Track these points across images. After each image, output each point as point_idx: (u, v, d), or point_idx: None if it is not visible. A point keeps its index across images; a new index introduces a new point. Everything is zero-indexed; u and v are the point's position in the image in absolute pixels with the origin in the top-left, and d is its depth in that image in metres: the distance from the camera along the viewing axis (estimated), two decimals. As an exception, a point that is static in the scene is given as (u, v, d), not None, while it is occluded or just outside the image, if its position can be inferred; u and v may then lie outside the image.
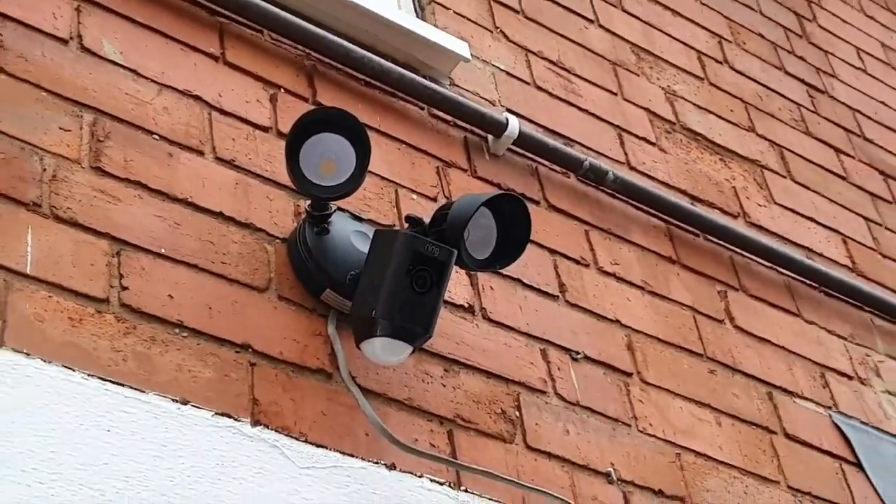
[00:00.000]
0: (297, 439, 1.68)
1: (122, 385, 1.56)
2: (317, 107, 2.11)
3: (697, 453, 2.20)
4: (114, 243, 1.71)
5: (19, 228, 1.63)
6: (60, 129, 1.78)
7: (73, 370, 1.53)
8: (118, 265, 1.69)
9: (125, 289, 1.67)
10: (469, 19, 2.67)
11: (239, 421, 1.64)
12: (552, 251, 2.32)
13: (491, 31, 2.69)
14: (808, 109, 3.39)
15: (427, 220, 1.88)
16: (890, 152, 3.54)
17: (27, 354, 1.50)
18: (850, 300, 2.84)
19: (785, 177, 3.08)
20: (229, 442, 1.61)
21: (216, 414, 1.62)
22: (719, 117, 3.07)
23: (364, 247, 1.86)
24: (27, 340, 1.52)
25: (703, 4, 3.41)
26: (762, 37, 3.51)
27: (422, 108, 2.36)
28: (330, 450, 1.71)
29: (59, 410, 1.48)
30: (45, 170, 1.72)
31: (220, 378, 1.68)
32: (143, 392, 1.57)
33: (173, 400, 1.59)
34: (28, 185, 1.68)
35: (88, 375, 1.54)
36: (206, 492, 1.54)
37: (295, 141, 1.79)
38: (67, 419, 1.48)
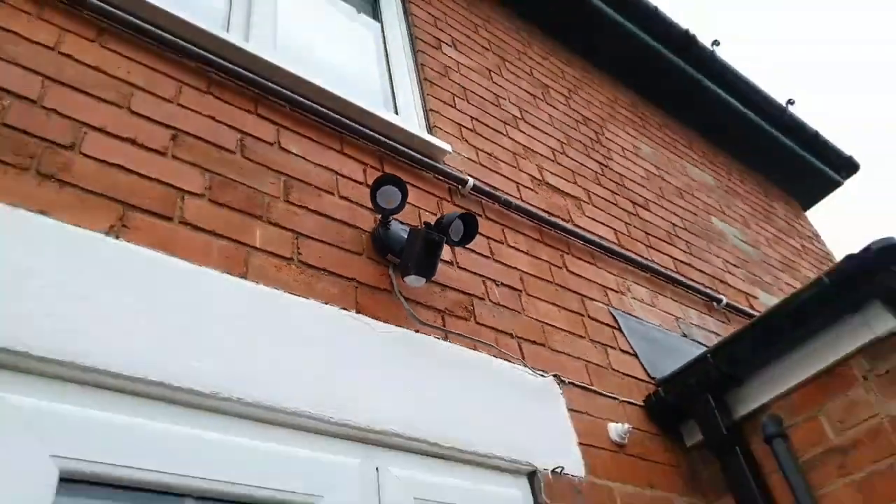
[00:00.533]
0: (377, 320, 1.70)
1: (299, 296, 1.58)
2: (384, 174, 2.10)
3: (551, 325, 2.22)
4: (295, 234, 1.72)
5: (252, 228, 1.64)
6: (271, 182, 1.79)
7: (279, 290, 1.55)
8: (297, 243, 1.71)
9: (300, 253, 1.69)
10: (452, 134, 2.66)
11: (350, 312, 1.66)
12: (487, 237, 2.33)
13: (460, 139, 2.69)
14: (599, 174, 3.39)
15: (432, 223, 1.90)
16: (637, 193, 3.54)
17: (257, 283, 1.52)
18: (616, 258, 2.86)
19: (587, 202, 3.09)
20: (347, 323, 1.63)
21: (341, 308, 1.65)
22: (540, 179, 3.08)
23: (405, 235, 1.88)
24: (257, 276, 1.54)
25: (554, 126, 3.40)
26: (580, 141, 3.49)
27: (429, 173, 2.37)
28: (392, 324, 1.73)
29: (272, 308, 1.50)
30: (265, 201, 1.73)
31: (342, 292, 1.70)
32: (307, 298, 1.59)
33: (322, 302, 1.62)
34: (257, 207, 1.69)
35: (285, 292, 1.56)
36: (337, 346, 1.56)
37: (375, 188, 1.81)
38: (279, 313, 1.50)
